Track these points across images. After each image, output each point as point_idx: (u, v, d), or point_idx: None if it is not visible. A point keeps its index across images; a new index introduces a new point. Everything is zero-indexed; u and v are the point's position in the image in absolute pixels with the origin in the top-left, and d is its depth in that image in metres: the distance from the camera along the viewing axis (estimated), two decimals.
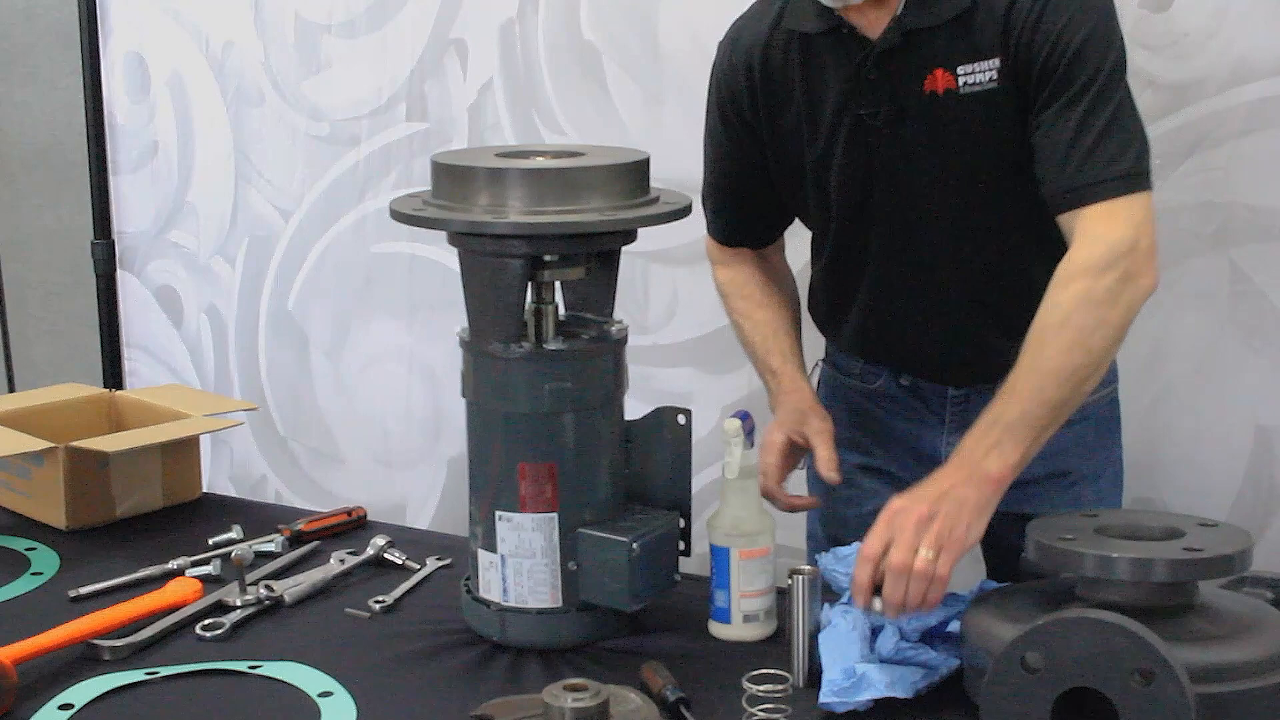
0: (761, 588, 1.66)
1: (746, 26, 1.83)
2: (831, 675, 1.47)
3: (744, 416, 1.67)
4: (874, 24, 1.70)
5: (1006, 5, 1.66)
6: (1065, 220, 1.64)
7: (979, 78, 1.69)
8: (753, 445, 1.68)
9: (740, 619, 1.66)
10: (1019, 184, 1.73)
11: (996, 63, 1.68)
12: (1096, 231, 1.61)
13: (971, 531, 1.52)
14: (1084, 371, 1.59)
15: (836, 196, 1.81)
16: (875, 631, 1.55)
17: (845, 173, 1.78)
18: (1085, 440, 1.90)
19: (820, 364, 2.05)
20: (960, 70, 1.69)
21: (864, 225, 1.81)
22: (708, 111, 1.91)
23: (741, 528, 1.66)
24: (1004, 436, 1.55)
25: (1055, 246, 1.72)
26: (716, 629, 1.67)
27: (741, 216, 1.95)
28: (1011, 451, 1.55)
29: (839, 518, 1.96)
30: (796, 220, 1.94)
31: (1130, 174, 1.63)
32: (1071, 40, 1.65)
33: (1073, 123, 1.65)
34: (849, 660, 1.49)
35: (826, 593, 1.73)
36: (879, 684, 1.45)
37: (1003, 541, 1.97)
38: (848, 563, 1.69)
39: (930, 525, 1.50)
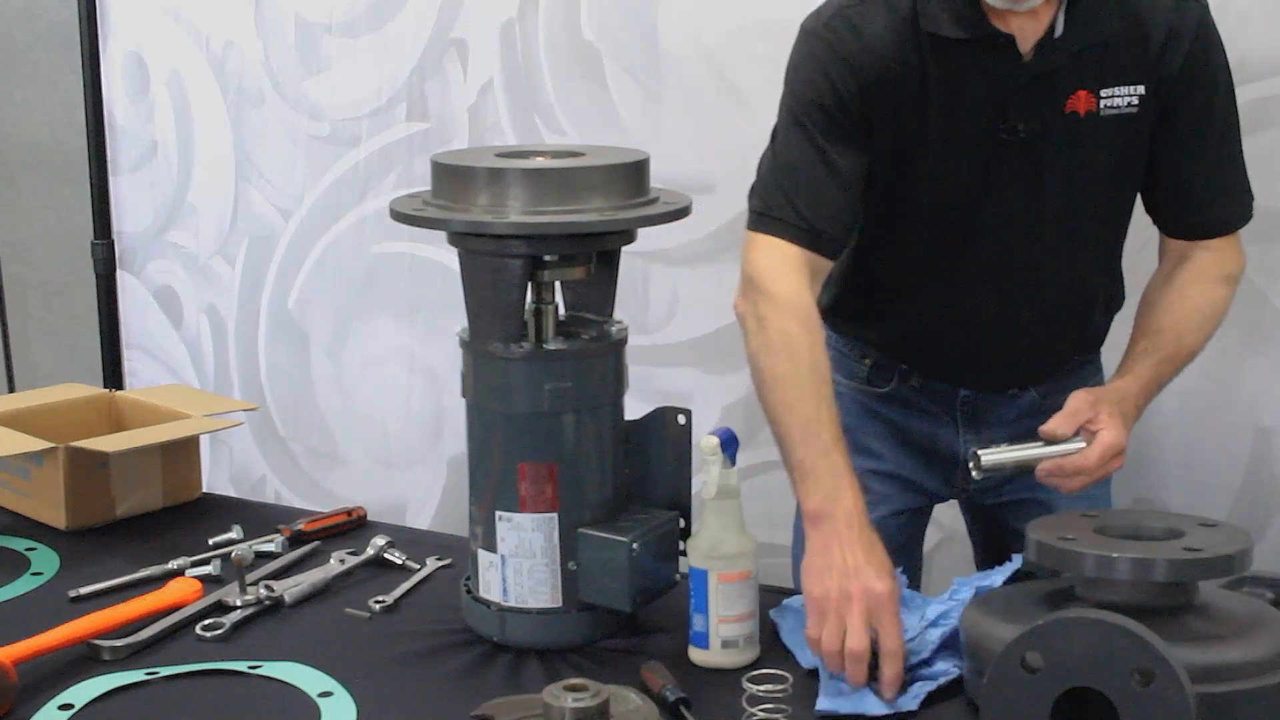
0: (741, 612, 1.57)
1: (867, 15, 1.68)
2: (829, 685, 1.48)
3: (724, 434, 1.56)
4: (1025, 33, 1.65)
5: (1164, 36, 1.66)
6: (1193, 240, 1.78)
7: (1118, 101, 1.68)
8: (733, 464, 1.57)
9: (719, 645, 1.56)
10: (1119, 203, 1.79)
11: (1141, 89, 1.68)
12: (1236, 246, 1.78)
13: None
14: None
15: (944, 204, 1.74)
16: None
17: (964, 185, 1.72)
18: None
19: None
20: (1103, 93, 1.68)
21: (961, 235, 1.76)
22: (799, 100, 1.71)
23: (720, 550, 1.57)
24: (1141, 401, 1.72)
25: (1115, 261, 1.85)
26: (694, 654, 1.59)
27: (834, 214, 1.72)
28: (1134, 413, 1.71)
29: None
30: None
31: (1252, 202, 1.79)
32: (1222, 76, 1.72)
33: (1227, 155, 1.75)
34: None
35: None
36: (880, 706, 1.45)
37: (1002, 526, 1.97)
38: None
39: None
